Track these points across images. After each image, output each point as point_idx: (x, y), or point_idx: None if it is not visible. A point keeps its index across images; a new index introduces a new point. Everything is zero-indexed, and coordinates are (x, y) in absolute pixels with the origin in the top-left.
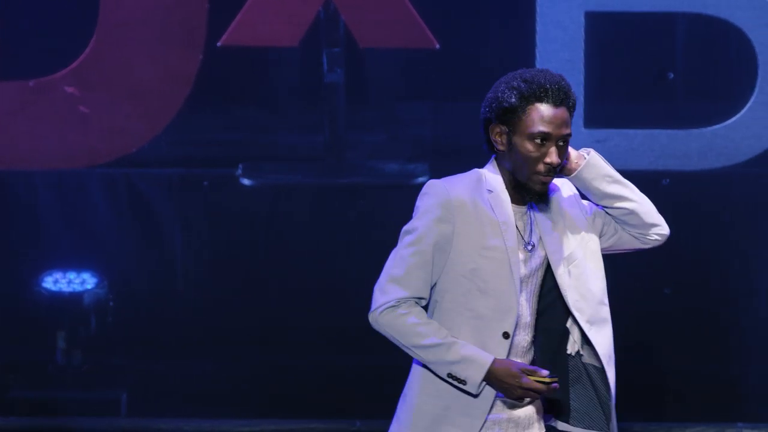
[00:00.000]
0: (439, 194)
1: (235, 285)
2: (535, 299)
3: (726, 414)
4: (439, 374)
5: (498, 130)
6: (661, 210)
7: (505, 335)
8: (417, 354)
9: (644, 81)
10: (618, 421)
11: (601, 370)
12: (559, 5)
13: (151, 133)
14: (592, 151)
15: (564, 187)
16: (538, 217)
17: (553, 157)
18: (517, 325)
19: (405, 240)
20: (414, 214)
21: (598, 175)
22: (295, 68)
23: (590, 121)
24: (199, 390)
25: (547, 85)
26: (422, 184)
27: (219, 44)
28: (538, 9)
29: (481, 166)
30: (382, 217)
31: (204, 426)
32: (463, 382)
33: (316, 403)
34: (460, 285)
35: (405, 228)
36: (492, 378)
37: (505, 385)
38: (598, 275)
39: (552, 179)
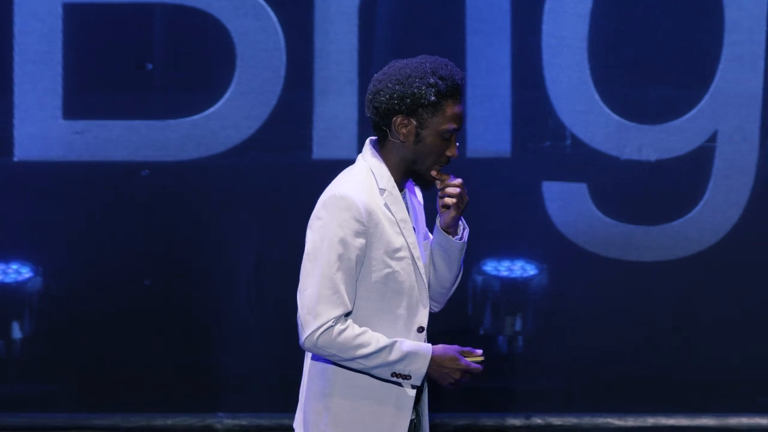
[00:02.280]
0: (351, 208)
1: None
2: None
3: (206, 404)
4: (381, 377)
5: (405, 122)
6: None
7: (420, 329)
8: (359, 364)
9: (123, 72)
10: None
11: None
12: None
13: None
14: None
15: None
16: (410, 204)
17: (454, 150)
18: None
19: (324, 256)
20: (320, 226)
21: (464, 247)
22: None
23: (69, 113)
24: None
25: (459, 83)
26: None
27: None
28: (15, 1)
29: None
30: None
31: None
32: (408, 377)
33: None
34: (376, 291)
35: (319, 245)
36: (433, 366)
37: (446, 371)
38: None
39: None
